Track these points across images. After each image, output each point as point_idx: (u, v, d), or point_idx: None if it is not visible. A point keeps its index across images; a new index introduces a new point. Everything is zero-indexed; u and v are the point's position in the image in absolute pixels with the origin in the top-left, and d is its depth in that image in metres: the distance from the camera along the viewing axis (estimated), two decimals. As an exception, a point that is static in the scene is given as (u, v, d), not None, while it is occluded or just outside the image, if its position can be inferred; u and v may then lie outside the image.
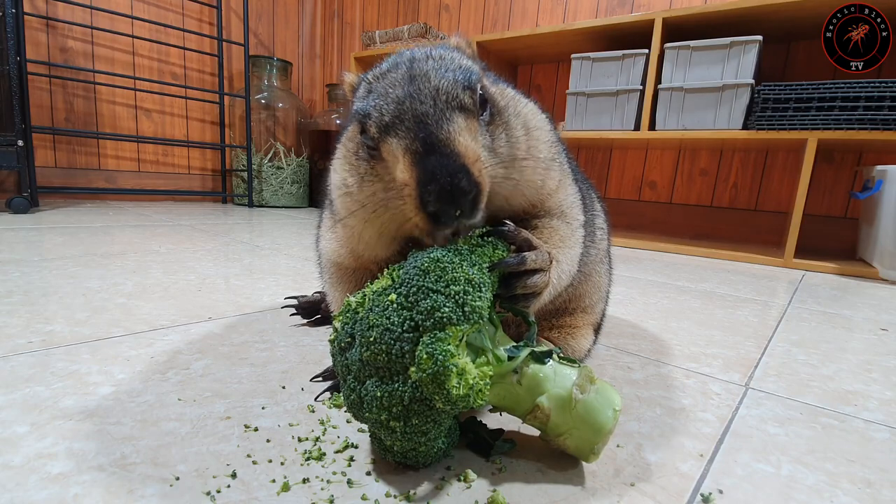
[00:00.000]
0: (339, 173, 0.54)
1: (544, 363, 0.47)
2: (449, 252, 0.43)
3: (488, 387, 0.43)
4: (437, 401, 0.40)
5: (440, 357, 0.39)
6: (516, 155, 0.50)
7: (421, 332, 0.41)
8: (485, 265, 0.44)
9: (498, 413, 0.58)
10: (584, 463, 0.49)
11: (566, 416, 0.46)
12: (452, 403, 0.40)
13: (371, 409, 0.42)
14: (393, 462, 0.46)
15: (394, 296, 0.43)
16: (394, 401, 0.41)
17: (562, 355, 0.50)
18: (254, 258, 1.50)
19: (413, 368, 0.40)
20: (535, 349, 0.48)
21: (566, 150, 0.66)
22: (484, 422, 0.52)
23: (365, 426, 0.53)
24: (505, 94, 0.53)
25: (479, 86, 0.47)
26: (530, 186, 0.53)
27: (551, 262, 0.51)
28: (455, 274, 0.42)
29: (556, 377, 0.47)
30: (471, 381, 0.41)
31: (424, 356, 0.40)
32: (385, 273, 0.47)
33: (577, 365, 0.49)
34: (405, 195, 0.43)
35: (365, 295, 0.46)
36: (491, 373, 0.44)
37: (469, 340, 0.43)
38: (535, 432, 0.53)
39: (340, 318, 0.46)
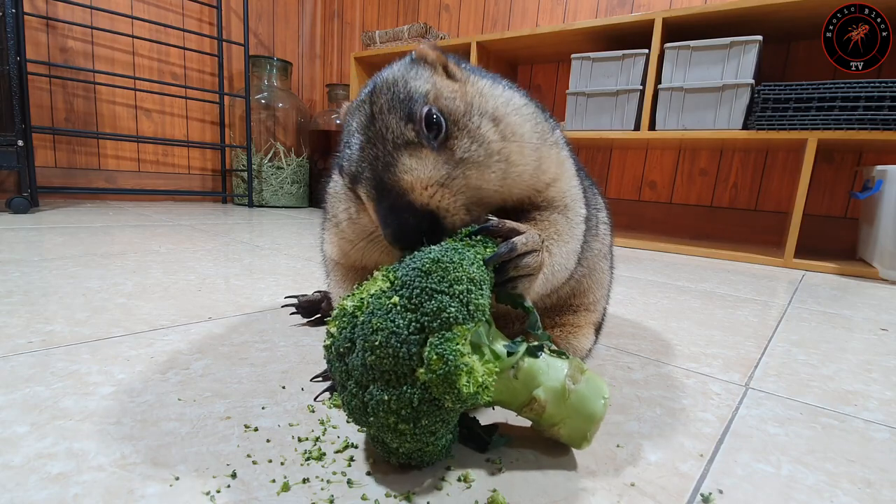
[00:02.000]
0: (343, 204, 0.61)
1: (537, 356, 0.48)
2: (447, 252, 0.44)
3: (493, 383, 0.43)
4: (447, 400, 0.41)
5: (451, 357, 0.40)
6: (491, 148, 0.50)
7: (427, 334, 0.41)
8: (481, 262, 0.45)
9: (491, 407, 0.58)
10: (584, 463, 0.49)
11: (560, 407, 0.47)
12: (462, 402, 0.41)
13: (377, 414, 0.42)
14: (396, 464, 0.46)
15: (396, 298, 0.43)
16: (402, 403, 0.41)
17: (552, 348, 0.50)
18: (254, 258, 1.50)
19: (422, 370, 0.40)
20: (530, 344, 0.48)
21: (568, 143, 0.66)
22: (476, 417, 0.53)
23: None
24: (468, 94, 0.52)
25: (424, 109, 0.48)
26: (523, 171, 0.53)
27: (543, 241, 0.51)
28: (457, 273, 0.42)
29: (549, 370, 0.48)
30: (479, 379, 0.42)
31: (435, 357, 0.40)
32: (380, 275, 0.46)
33: (566, 357, 0.50)
34: (380, 234, 0.50)
35: (362, 299, 0.45)
36: (497, 369, 0.44)
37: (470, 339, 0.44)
38: (529, 428, 0.53)
39: (336, 323, 0.46)
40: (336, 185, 0.63)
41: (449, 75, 0.54)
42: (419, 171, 0.47)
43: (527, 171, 0.54)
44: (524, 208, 0.57)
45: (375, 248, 0.58)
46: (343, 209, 0.61)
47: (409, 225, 0.46)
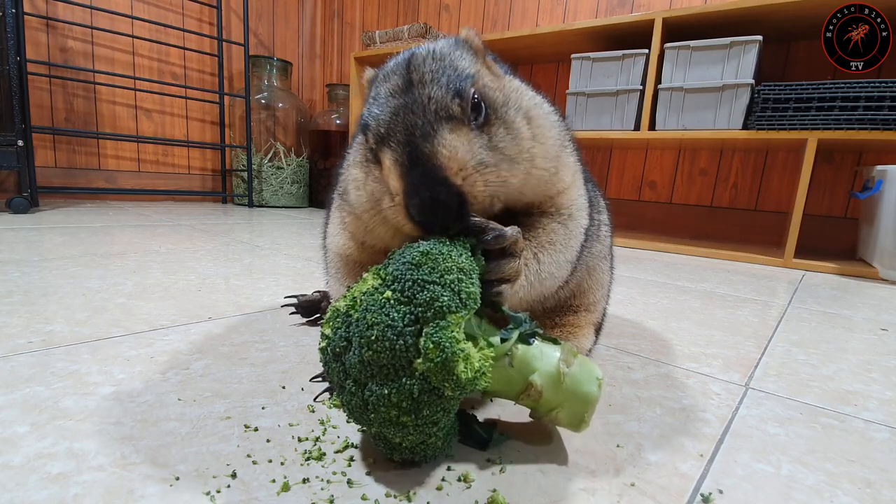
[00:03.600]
0: (354, 171, 0.57)
1: (530, 343, 0.48)
2: (436, 244, 0.44)
3: (490, 368, 0.44)
4: (446, 388, 0.41)
5: (447, 345, 0.40)
6: (521, 145, 0.50)
7: (422, 325, 0.42)
8: (469, 253, 0.46)
9: (489, 399, 0.59)
10: (584, 463, 0.49)
11: (557, 391, 0.47)
12: (461, 388, 0.41)
13: (378, 409, 0.42)
14: (398, 460, 0.46)
15: (389, 293, 0.43)
16: (402, 396, 0.42)
17: (542, 334, 0.51)
18: (254, 258, 1.50)
19: (419, 360, 0.41)
20: (522, 331, 0.49)
21: (577, 149, 0.66)
22: (475, 415, 0.53)
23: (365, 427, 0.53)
24: (506, 88, 0.53)
25: (471, 90, 0.48)
26: (542, 175, 0.53)
27: (523, 248, 0.51)
28: (447, 264, 0.43)
29: (543, 355, 0.48)
30: (476, 365, 0.42)
31: (431, 346, 0.40)
32: (370, 274, 0.47)
33: (558, 342, 0.50)
34: (397, 203, 0.47)
35: (355, 298, 0.45)
36: (492, 354, 0.45)
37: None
38: (528, 428, 0.53)
39: (330, 324, 0.46)
40: (351, 156, 0.60)
41: (487, 66, 0.54)
42: (459, 150, 0.46)
43: (545, 176, 0.54)
44: (530, 211, 0.58)
45: (381, 220, 0.54)
46: (355, 176, 0.57)
47: (440, 200, 0.44)
